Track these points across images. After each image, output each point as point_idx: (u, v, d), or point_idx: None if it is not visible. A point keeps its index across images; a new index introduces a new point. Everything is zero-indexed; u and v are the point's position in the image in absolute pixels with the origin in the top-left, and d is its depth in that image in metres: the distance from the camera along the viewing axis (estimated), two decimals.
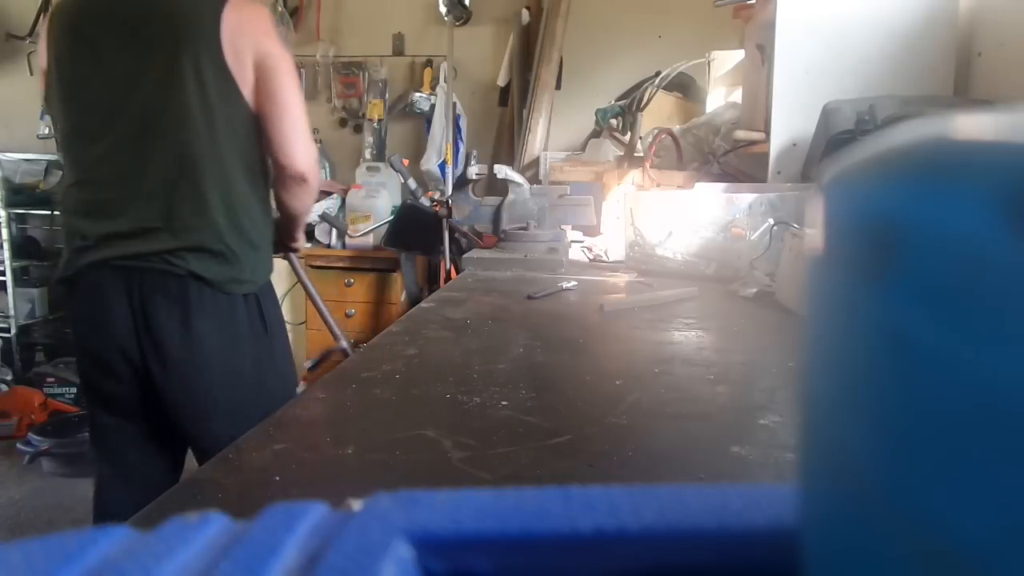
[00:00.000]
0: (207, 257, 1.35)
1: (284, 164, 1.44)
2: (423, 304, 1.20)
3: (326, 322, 2.08)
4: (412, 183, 2.53)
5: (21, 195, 3.49)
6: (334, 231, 3.05)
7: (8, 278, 3.41)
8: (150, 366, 1.36)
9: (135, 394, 1.40)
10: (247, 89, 1.37)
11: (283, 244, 1.69)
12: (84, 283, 1.36)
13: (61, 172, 1.51)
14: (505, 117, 3.41)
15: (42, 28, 1.66)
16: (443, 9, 3.12)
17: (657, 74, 2.42)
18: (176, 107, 1.32)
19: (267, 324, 1.45)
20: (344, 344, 2.06)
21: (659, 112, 2.41)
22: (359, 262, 3.05)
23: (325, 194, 3.33)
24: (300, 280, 1.97)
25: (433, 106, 3.29)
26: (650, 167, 1.93)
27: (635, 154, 2.15)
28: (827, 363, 0.13)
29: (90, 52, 1.35)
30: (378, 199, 3.10)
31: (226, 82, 1.34)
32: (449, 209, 2.25)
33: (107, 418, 1.44)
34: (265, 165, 1.47)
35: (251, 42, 1.35)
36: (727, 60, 2.37)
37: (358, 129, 3.59)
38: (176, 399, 1.38)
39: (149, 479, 1.45)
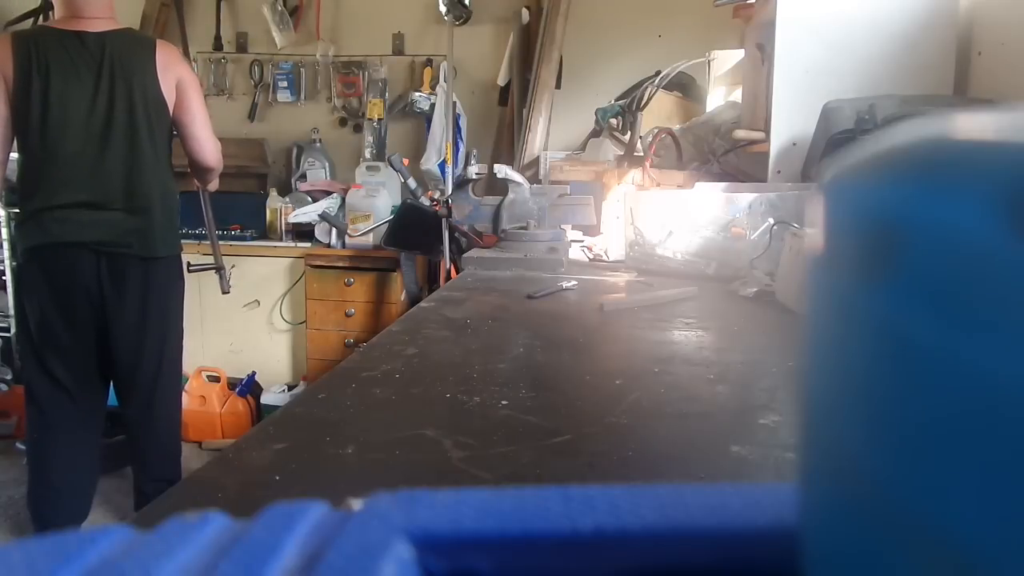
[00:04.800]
0: None
1: (196, 159, 2.01)
2: (423, 304, 1.20)
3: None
4: (412, 183, 2.53)
5: None
6: (334, 231, 3.04)
7: (8, 278, 3.41)
8: None
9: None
10: (171, 103, 1.94)
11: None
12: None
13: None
14: (505, 117, 3.41)
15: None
16: (443, 8, 3.11)
17: (657, 74, 2.42)
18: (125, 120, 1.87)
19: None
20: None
21: (659, 112, 2.41)
22: (359, 262, 3.05)
23: (324, 193, 3.33)
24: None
25: (433, 106, 3.29)
26: (650, 167, 1.93)
27: (635, 154, 2.15)
28: (827, 363, 0.13)
29: (62, 78, 1.81)
30: (378, 199, 3.10)
31: (158, 99, 1.91)
32: (449, 209, 2.24)
33: None
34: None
35: (173, 71, 1.93)
36: (727, 60, 2.37)
37: (358, 128, 3.59)
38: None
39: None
